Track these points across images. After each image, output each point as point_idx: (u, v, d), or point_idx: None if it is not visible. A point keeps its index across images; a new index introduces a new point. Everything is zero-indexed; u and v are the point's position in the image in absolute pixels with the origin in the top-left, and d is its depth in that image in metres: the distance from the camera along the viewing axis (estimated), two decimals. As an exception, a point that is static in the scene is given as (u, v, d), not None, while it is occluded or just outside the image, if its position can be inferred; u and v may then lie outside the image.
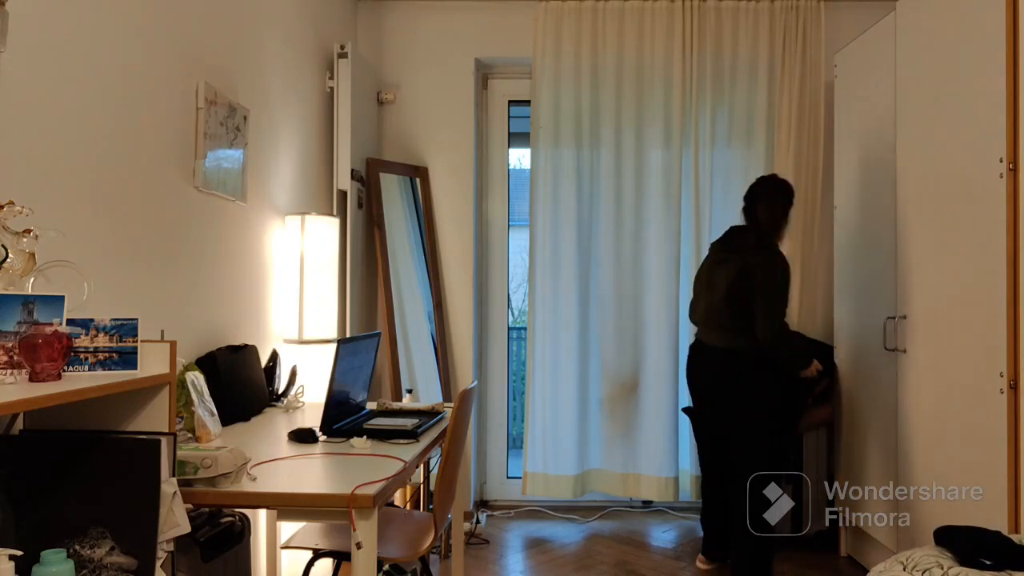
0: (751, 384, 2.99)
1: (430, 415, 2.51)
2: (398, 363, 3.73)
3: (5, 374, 1.34)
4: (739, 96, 3.96)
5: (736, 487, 2.98)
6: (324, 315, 3.09)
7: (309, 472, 1.94)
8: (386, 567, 2.70)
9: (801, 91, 3.87)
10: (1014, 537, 1.93)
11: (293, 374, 2.85)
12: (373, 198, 3.75)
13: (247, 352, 2.63)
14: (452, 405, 2.35)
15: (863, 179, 3.36)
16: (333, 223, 3.22)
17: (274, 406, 2.73)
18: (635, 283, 3.98)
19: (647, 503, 4.14)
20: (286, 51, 3.15)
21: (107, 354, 1.48)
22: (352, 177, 3.55)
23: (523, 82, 4.19)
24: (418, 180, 4.08)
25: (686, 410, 3.60)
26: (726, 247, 3.12)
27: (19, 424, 1.55)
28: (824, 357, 3.53)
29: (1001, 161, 2.32)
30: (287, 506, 1.74)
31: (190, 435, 2.02)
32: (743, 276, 2.94)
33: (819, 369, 3.16)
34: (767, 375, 3.00)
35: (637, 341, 3.98)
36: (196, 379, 2.08)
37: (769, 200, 3.10)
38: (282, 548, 2.42)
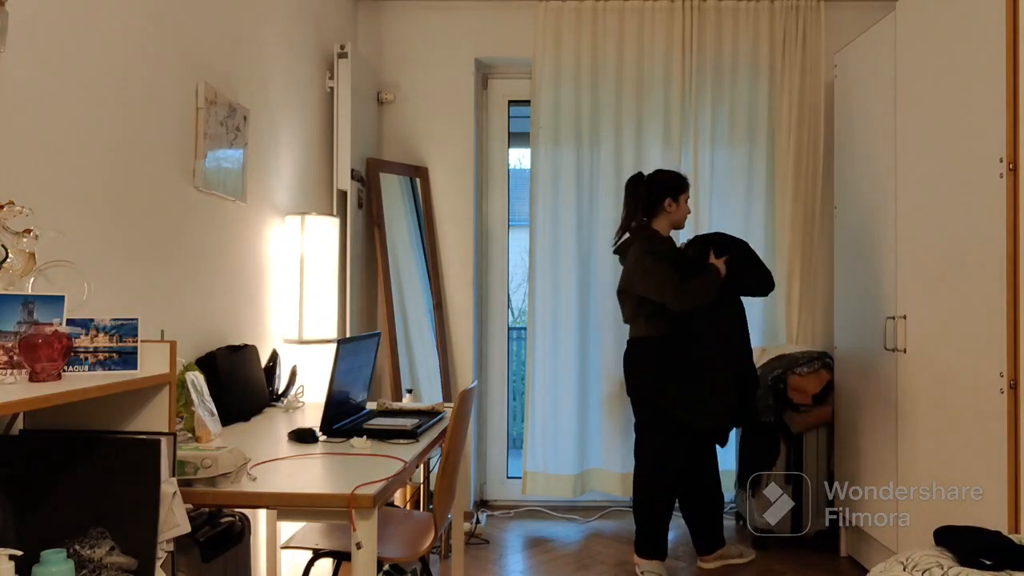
0: (646, 371, 3.20)
1: (430, 415, 2.51)
2: (398, 363, 3.72)
3: (5, 374, 1.34)
4: (739, 96, 3.96)
5: (637, 470, 3.31)
6: (324, 315, 3.09)
7: (309, 472, 1.93)
8: (386, 567, 2.70)
9: (801, 91, 3.87)
10: (1014, 537, 1.93)
11: (293, 374, 2.85)
12: (373, 198, 3.75)
13: (247, 352, 2.63)
14: (452, 405, 2.35)
15: (863, 179, 3.36)
16: (333, 223, 3.22)
17: (274, 406, 2.73)
18: (635, 283, 3.98)
19: (647, 503, 4.14)
20: (286, 51, 3.15)
21: (107, 354, 1.48)
22: (352, 177, 3.55)
23: (523, 82, 4.19)
24: (418, 180, 4.08)
25: None
26: (619, 252, 3.36)
27: (19, 424, 1.55)
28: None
29: (1001, 161, 2.32)
30: (287, 506, 1.74)
31: (190, 435, 2.02)
32: (625, 274, 3.26)
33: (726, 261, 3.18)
34: (659, 363, 3.17)
35: (637, 341, 3.97)
36: (196, 379, 2.08)
37: (628, 194, 3.30)
38: (282, 548, 2.42)
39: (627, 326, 4.05)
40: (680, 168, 3.90)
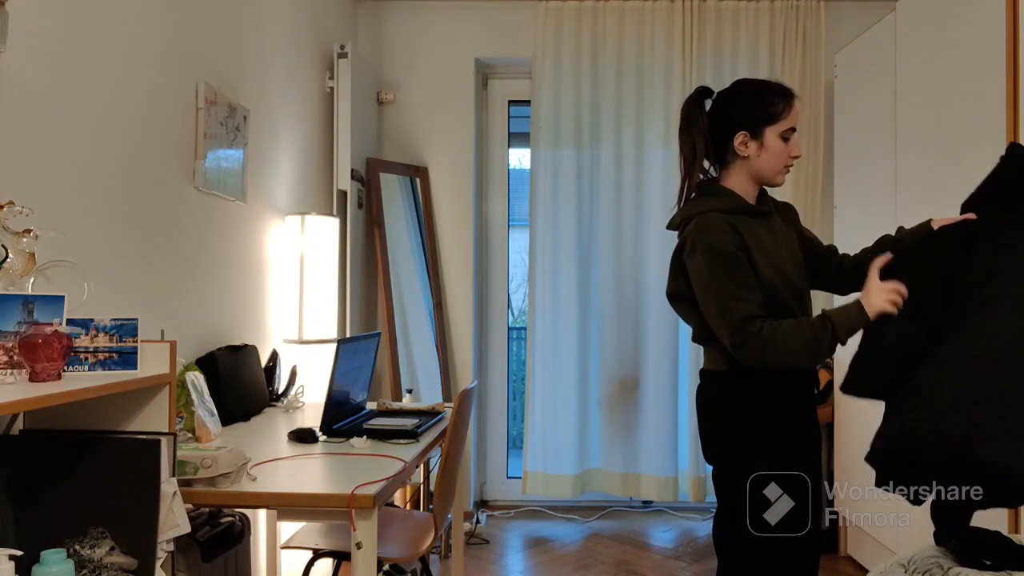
0: (712, 423, 1.88)
1: (430, 415, 2.51)
2: (398, 363, 3.72)
3: (5, 374, 1.34)
4: (739, 96, 3.96)
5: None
6: (324, 315, 3.09)
7: (309, 472, 1.94)
8: (386, 567, 2.70)
9: (801, 91, 3.86)
10: (1014, 537, 1.93)
11: (293, 374, 2.85)
12: (373, 198, 3.75)
13: (247, 352, 2.63)
14: (452, 405, 2.35)
15: (863, 179, 3.36)
16: (333, 223, 3.22)
17: (274, 406, 2.73)
18: (635, 283, 3.98)
19: (647, 503, 4.14)
20: (286, 51, 3.15)
21: (107, 354, 1.48)
22: (352, 177, 3.55)
23: (523, 82, 4.19)
24: (418, 180, 4.08)
25: None
26: (673, 228, 1.87)
27: (19, 424, 1.55)
28: None
29: (1001, 161, 2.32)
30: (287, 506, 1.74)
31: (190, 435, 2.02)
32: (674, 264, 1.84)
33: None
34: (736, 413, 1.83)
35: (637, 341, 3.97)
36: (196, 379, 2.08)
37: (682, 129, 1.85)
38: (282, 548, 2.42)
39: (628, 327, 4.06)
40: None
